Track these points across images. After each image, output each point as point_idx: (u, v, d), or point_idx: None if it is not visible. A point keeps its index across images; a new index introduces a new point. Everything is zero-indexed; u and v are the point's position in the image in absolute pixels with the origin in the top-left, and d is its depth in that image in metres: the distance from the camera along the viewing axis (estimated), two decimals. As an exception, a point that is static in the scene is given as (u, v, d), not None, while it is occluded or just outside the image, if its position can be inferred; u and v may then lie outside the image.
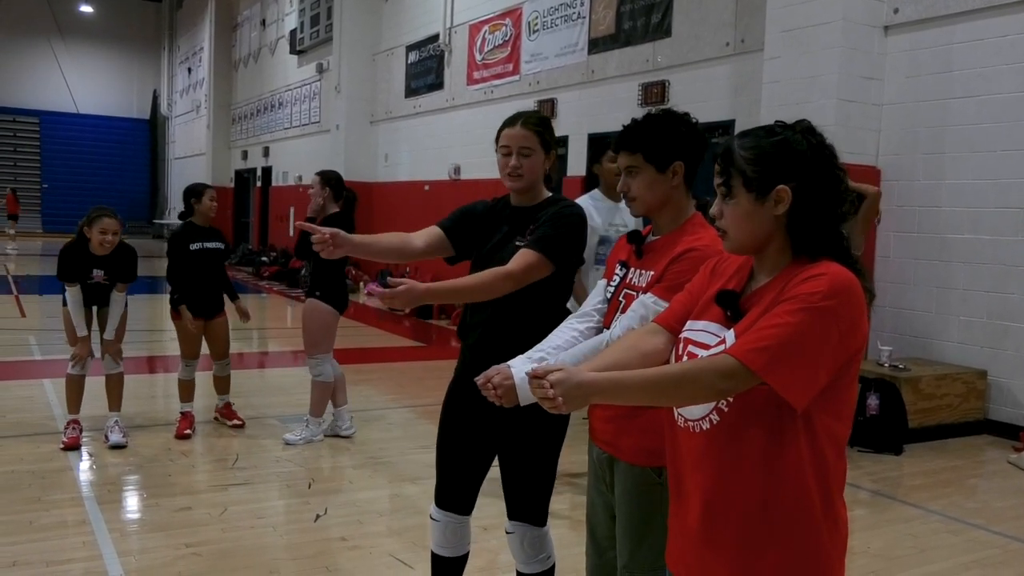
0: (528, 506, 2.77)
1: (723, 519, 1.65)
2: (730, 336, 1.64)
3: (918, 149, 7.10)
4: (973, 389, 6.39)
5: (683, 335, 1.78)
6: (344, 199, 5.71)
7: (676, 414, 1.75)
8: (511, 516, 2.80)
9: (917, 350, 7.04)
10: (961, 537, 4.55)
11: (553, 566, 2.86)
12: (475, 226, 2.82)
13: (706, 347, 1.69)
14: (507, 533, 2.82)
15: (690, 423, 1.70)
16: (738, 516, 1.63)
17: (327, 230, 2.55)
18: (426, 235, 2.79)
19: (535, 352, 2.24)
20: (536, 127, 2.71)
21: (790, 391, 1.54)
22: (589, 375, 1.58)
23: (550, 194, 2.80)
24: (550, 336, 2.32)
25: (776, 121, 1.71)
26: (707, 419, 1.66)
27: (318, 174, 5.71)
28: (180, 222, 5.93)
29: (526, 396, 1.92)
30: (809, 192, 1.64)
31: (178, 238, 5.80)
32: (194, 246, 5.74)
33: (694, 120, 2.27)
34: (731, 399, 1.62)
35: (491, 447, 2.80)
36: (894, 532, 4.52)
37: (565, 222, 2.66)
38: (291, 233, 18.39)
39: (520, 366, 2.07)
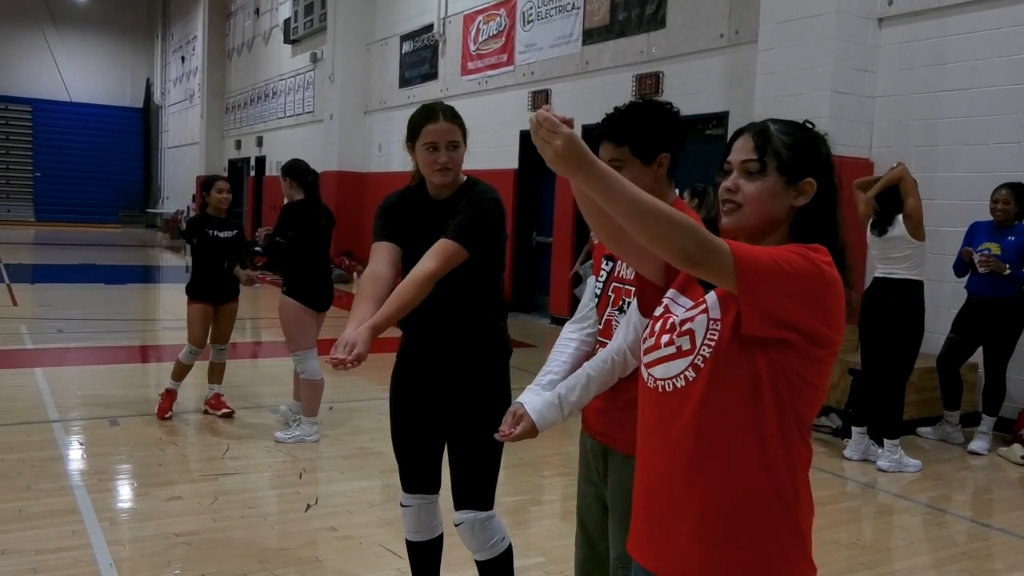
0: (474, 492, 2.77)
1: (691, 484, 1.64)
2: (711, 297, 1.65)
3: (911, 141, 7.10)
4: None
5: (665, 299, 1.78)
6: (307, 184, 5.63)
7: (646, 375, 1.74)
8: (458, 506, 2.79)
9: (909, 342, 7.04)
10: (951, 529, 4.57)
11: (510, 547, 2.86)
12: (402, 221, 2.81)
13: (684, 308, 1.70)
14: (456, 525, 2.81)
15: (660, 383, 1.69)
16: (707, 480, 1.63)
17: (353, 357, 2.31)
18: (383, 259, 2.71)
19: (543, 377, 2.27)
20: (456, 119, 2.74)
21: (751, 307, 1.53)
22: (593, 157, 1.55)
23: (466, 178, 2.82)
24: (552, 354, 2.34)
25: (805, 120, 1.76)
26: (682, 376, 1.64)
27: (281, 169, 5.74)
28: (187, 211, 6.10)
29: (543, 425, 2.14)
30: (823, 193, 1.70)
31: (195, 223, 6.01)
32: (209, 232, 5.90)
33: (676, 110, 2.24)
34: (707, 358, 1.61)
35: (442, 427, 2.82)
36: (884, 524, 4.54)
37: (480, 208, 2.71)
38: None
39: (530, 401, 2.16)
